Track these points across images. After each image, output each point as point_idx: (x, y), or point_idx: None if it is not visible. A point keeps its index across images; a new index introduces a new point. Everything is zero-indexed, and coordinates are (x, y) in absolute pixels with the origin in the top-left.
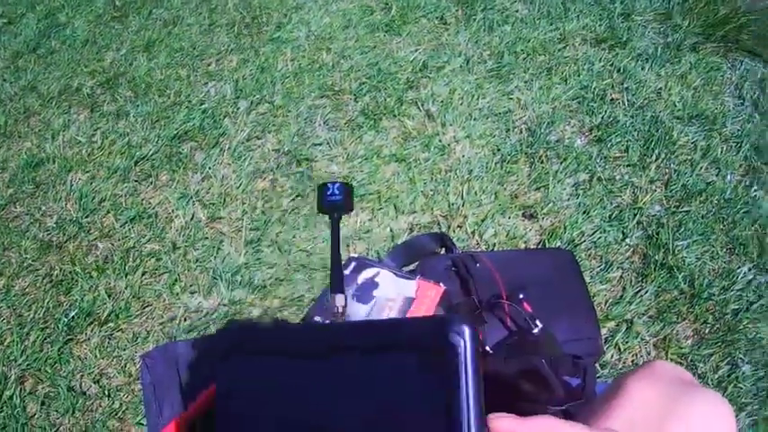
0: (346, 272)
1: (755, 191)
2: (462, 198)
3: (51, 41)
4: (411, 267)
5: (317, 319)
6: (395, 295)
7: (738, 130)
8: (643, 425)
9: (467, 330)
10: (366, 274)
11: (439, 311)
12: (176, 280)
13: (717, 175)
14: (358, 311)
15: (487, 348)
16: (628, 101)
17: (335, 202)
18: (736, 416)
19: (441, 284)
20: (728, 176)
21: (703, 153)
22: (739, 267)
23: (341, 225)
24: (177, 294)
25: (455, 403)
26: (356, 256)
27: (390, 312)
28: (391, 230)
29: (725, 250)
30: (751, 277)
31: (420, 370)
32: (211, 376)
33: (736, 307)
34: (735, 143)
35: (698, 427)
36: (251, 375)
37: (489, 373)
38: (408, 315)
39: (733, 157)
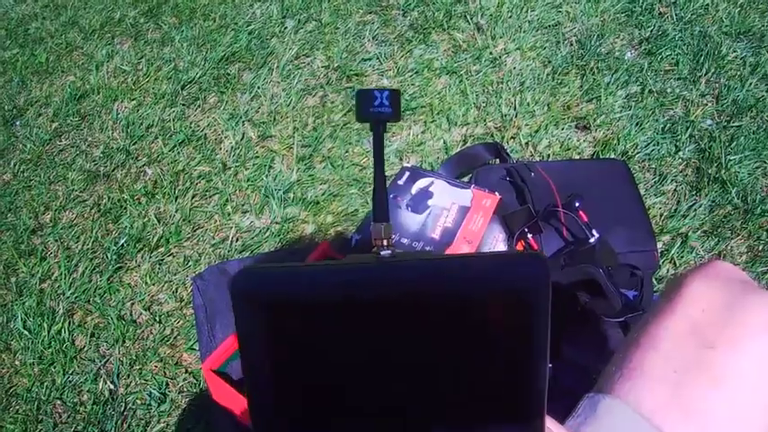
0: (400, 182)
1: None
2: (515, 109)
3: None
4: (465, 179)
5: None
6: (450, 204)
7: None
8: (705, 324)
9: (543, 273)
10: (420, 183)
11: (494, 220)
12: (227, 200)
13: (767, 92)
14: (413, 221)
15: None
16: (676, 15)
17: (383, 113)
18: None
19: (496, 193)
20: None
21: (752, 69)
22: None
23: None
24: (229, 215)
25: (528, 354)
26: (410, 165)
27: (446, 222)
28: (444, 142)
29: None
30: None
31: (489, 320)
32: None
33: None
34: None
35: (761, 328)
36: (294, 328)
37: None
38: (464, 223)
39: None
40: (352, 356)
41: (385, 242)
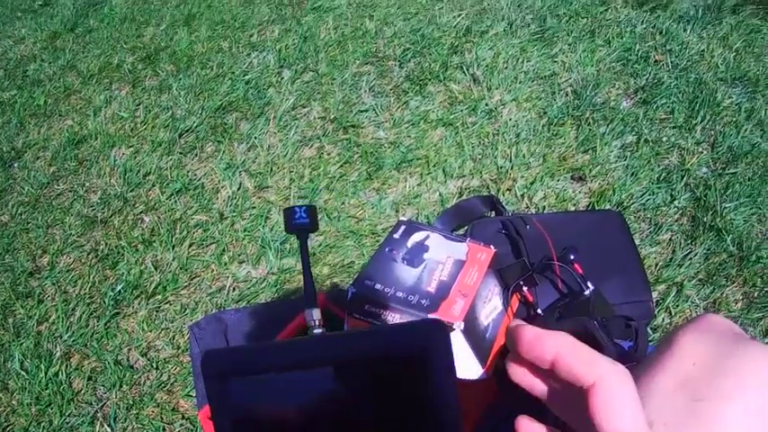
0: (396, 235)
1: None
2: (511, 161)
3: (89, 20)
4: (461, 232)
5: (368, 283)
6: (445, 258)
7: None
8: (695, 378)
9: (438, 334)
10: (416, 237)
11: (489, 274)
12: (224, 250)
13: (761, 137)
14: (409, 274)
15: (539, 311)
16: (671, 62)
17: (303, 224)
18: None
19: (491, 247)
20: None
21: (748, 115)
22: None
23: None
24: (225, 264)
25: (434, 401)
26: (405, 219)
27: (441, 275)
28: (440, 195)
29: None
30: None
31: (397, 376)
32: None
33: None
34: None
35: (752, 380)
36: (250, 394)
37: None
38: (459, 277)
39: None
40: (296, 405)
41: (317, 322)
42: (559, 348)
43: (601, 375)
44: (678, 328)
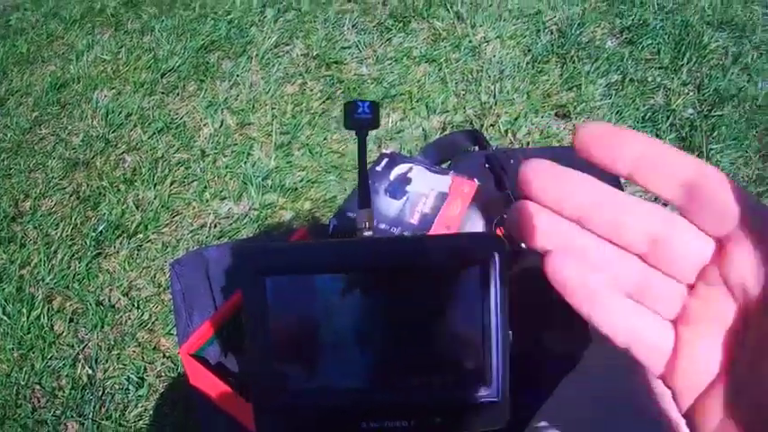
0: (378, 168)
1: None
2: (494, 97)
3: None
4: (444, 166)
5: (350, 215)
6: (428, 190)
7: None
8: None
9: (498, 246)
10: (399, 169)
11: (472, 207)
12: (206, 187)
13: (748, 82)
14: (390, 207)
15: (523, 245)
16: (657, 4)
17: (365, 119)
18: None
19: (475, 180)
20: (760, 84)
21: (734, 59)
22: None
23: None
24: (207, 201)
25: (486, 311)
26: (388, 151)
27: (424, 208)
28: (424, 130)
29: (758, 156)
30: None
31: (454, 285)
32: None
33: None
34: (765, 51)
35: None
36: (284, 292)
37: (524, 270)
38: (442, 209)
39: (764, 64)
40: (340, 310)
41: (367, 224)
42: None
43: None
44: None
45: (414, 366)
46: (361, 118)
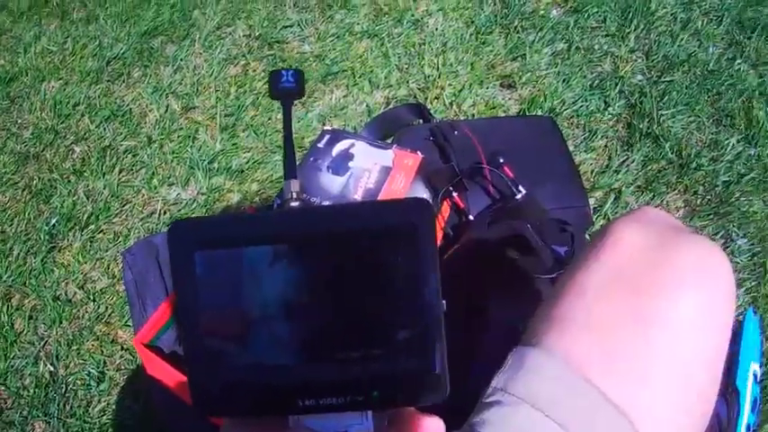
0: (320, 144)
1: (739, 64)
2: (438, 70)
3: None
4: (389, 141)
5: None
6: (371, 165)
7: (718, 3)
8: (631, 271)
9: (424, 210)
10: (341, 145)
11: (417, 180)
12: (154, 174)
13: (699, 47)
14: (333, 183)
15: (470, 217)
16: None
17: (289, 89)
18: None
19: (418, 153)
20: (711, 48)
21: (683, 25)
22: (727, 139)
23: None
24: (155, 188)
25: (417, 278)
26: (330, 128)
27: (368, 182)
28: (367, 105)
29: (711, 121)
30: (740, 149)
31: (382, 252)
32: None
33: (727, 179)
34: (715, 17)
35: (690, 273)
36: (213, 267)
37: (472, 242)
38: (386, 184)
39: (714, 30)
40: (270, 283)
41: (294, 194)
42: None
43: None
44: (613, 221)
45: (346, 340)
46: (285, 87)
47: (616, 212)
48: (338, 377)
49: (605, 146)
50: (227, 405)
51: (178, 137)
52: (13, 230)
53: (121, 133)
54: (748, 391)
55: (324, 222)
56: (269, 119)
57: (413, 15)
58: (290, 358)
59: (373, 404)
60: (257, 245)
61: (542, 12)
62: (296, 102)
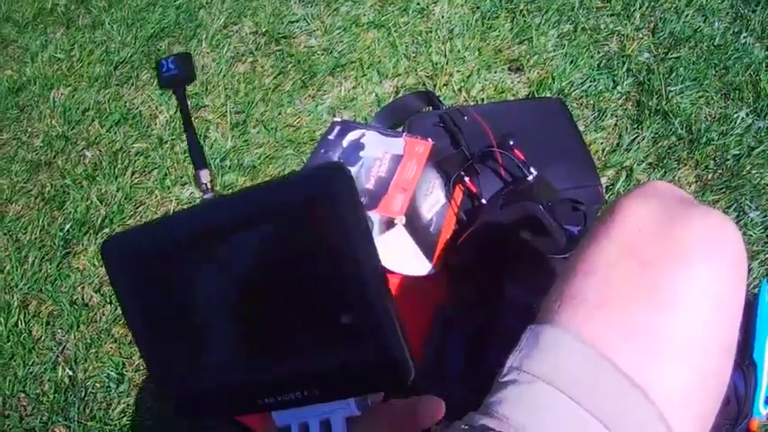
0: (330, 136)
1: (745, 37)
2: (445, 56)
3: None
4: (399, 129)
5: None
6: (382, 154)
7: None
8: (640, 245)
9: (336, 172)
10: (351, 136)
11: (428, 166)
12: (166, 174)
13: (704, 22)
14: None
15: (483, 201)
16: None
17: (172, 76)
18: (749, 265)
19: (429, 139)
20: (716, 23)
21: (688, 1)
22: (736, 113)
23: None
24: (168, 188)
25: (348, 249)
26: (339, 120)
27: (379, 171)
28: (376, 95)
29: (719, 95)
30: (749, 122)
31: (308, 229)
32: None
33: (737, 152)
34: None
35: (699, 244)
36: (147, 276)
37: (485, 225)
38: (398, 171)
39: (719, 4)
40: (203, 284)
41: (207, 185)
42: None
43: None
44: (622, 196)
45: (290, 331)
46: (170, 75)
47: (628, 190)
48: (288, 372)
49: (615, 124)
50: (196, 409)
51: None
52: (28, 238)
53: (132, 136)
54: (766, 364)
55: (234, 210)
56: (279, 114)
57: (418, 4)
58: (240, 358)
59: (333, 396)
60: (182, 247)
61: None
62: (302, 96)
